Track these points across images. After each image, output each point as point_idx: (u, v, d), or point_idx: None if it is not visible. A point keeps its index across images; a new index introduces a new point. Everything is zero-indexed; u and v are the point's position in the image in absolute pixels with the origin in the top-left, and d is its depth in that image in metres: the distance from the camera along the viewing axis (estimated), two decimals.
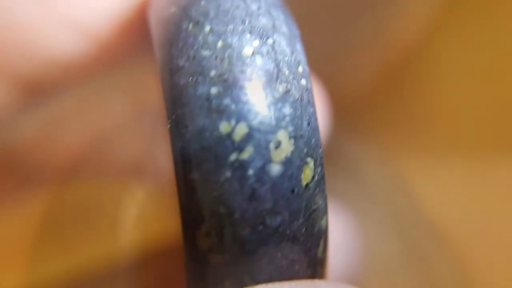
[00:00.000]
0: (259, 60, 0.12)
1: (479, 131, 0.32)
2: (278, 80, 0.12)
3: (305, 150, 0.12)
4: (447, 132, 0.32)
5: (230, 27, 0.13)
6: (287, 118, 0.12)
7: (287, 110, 0.12)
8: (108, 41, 0.15)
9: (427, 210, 0.32)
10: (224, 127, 0.12)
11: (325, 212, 0.13)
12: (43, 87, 0.15)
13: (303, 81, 0.13)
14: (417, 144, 0.32)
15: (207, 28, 0.13)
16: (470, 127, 0.32)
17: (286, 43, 0.13)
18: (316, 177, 0.13)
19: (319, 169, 0.13)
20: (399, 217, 0.32)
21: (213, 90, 0.12)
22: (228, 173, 0.12)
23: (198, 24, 0.13)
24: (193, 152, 0.12)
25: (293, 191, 0.12)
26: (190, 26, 0.13)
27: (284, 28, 0.13)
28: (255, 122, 0.12)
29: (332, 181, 0.32)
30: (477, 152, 0.32)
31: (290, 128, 0.12)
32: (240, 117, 0.12)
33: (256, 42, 0.13)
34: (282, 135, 0.12)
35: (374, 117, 0.33)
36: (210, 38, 0.12)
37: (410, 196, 0.32)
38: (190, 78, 0.12)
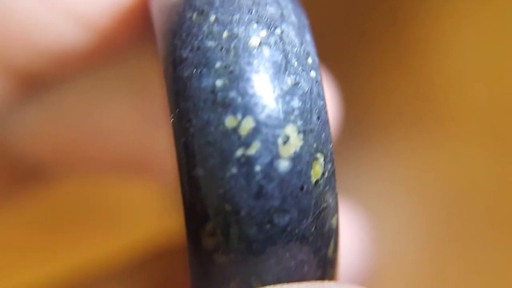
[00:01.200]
0: (266, 51, 0.12)
1: (496, 125, 0.32)
2: (287, 72, 0.12)
3: (314, 145, 0.12)
4: (462, 126, 0.32)
5: (236, 16, 0.12)
6: (296, 112, 0.12)
7: (295, 103, 0.12)
8: (109, 32, 0.14)
9: (440, 205, 0.32)
10: (229, 121, 0.12)
11: (335, 210, 0.12)
12: (41, 79, 0.15)
13: (313, 73, 0.12)
14: (430, 139, 0.32)
15: (212, 17, 0.12)
16: (486, 120, 0.32)
17: (295, 33, 0.12)
18: (326, 174, 0.12)
19: (329, 165, 0.12)
20: (412, 214, 0.32)
21: (218, 83, 0.12)
22: (234, 169, 0.12)
23: (203, 14, 0.12)
24: (197, 148, 0.12)
25: (302, 188, 0.12)
26: (194, 15, 0.12)
27: (293, 18, 0.12)
28: (262, 116, 0.12)
29: (343, 177, 0.32)
30: (492, 146, 0.32)
31: (299, 122, 0.12)
32: (247, 110, 0.12)
33: (264, 33, 0.12)
34: (290, 130, 0.12)
35: (386, 111, 0.33)
36: (215, 28, 0.12)
37: (424, 191, 0.32)
38: (194, 70, 0.12)
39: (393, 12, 0.32)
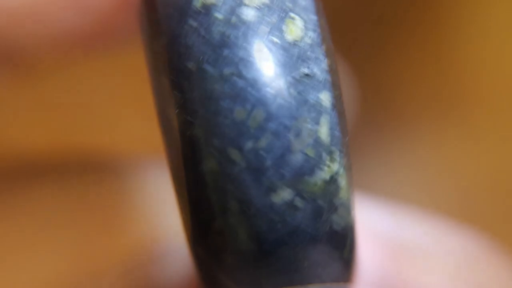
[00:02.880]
0: (277, 38, 0.11)
1: None
2: (299, 60, 0.11)
3: (329, 139, 0.11)
4: (494, 118, 0.32)
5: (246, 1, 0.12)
6: (309, 103, 0.11)
7: (308, 93, 0.11)
8: (105, 14, 0.14)
9: (463, 196, 0.31)
10: (238, 112, 0.11)
11: (351, 207, 0.12)
12: (32, 62, 0.14)
13: (327, 61, 0.12)
14: (459, 131, 0.32)
15: (219, 3, 0.11)
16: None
17: (307, 18, 0.12)
18: (341, 169, 0.11)
19: (344, 160, 0.11)
20: (438, 208, 0.31)
21: (226, 71, 0.11)
22: (243, 164, 0.11)
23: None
24: (204, 141, 0.11)
25: (315, 184, 0.11)
26: (199, 2, 0.12)
27: (304, 2, 0.12)
28: (273, 107, 0.11)
29: (366, 171, 0.31)
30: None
31: (313, 114, 0.11)
32: (257, 101, 0.11)
33: (274, 18, 0.11)
34: (303, 122, 0.11)
35: (410, 101, 0.32)
36: (223, 13, 0.11)
37: (451, 186, 0.32)
38: (200, 58, 0.11)
39: (423, 6, 0.31)
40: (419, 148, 0.32)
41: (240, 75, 0.11)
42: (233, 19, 0.11)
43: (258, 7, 0.11)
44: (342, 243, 0.12)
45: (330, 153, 0.11)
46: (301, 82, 0.11)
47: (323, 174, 0.11)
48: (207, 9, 0.11)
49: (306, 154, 0.11)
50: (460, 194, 0.32)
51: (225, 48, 0.11)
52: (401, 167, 0.32)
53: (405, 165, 0.32)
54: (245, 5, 0.11)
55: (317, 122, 0.11)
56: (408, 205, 0.17)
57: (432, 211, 0.29)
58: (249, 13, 0.11)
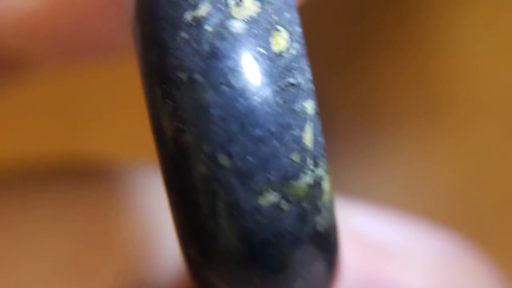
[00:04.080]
0: None
1: (503, 117, 0.32)
2: (285, 70, 0.12)
3: (313, 145, 0.12)
4: (468, 119, 0.32)
5: None
6: (294, 110, 0.12)
7: (293, 101, 0.12)
8: (99, 25, 0.14)
9: (446, 198, 0.32)
10: (227, 120, 0.12)
11: (333, 210, 0.12)
12: (30, 69, 0.14)
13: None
14: (436, 132, 0.32)
15: (209, 16, 0.12)
16: (494, 112, 0.32)
17: None
18: (324, 173, 0.12)
19: (327, 164, 0.12)
20: (417, 207, 0.32)
21: (216, 81, 0.12)
22: (232, 168, 0.12)
23: None
24: (194, 147, 0.12)
25: (300, 187, 0.12)
26: None
27: (289, 15, 0.12)
28: (260, 115, 0.12)
29: (348, 171, 0.32)
30: (498, 138, 0.32)
31: (298, 121, 0.12)
32: (245, 109, 0.12)
33: None
34: (288, 128, 0.12)
35: (391, 104, 0.33)
36: (213, 26, 0.12)
37: (429, 184, 0.32)
38: (191, 68, 0.12)
39: (398, 4, 0.32)
40: (402, 150, 0.33)
41: (229, 85, 0.12)
42: (222, 31, 0.12)
43: (246, 20, 0.12)
44: (326, 244, 0.12)
45: (314, 158, 0.12)
46: (286, 91, 0.12)
47: (308, 178, 0.12)
48: (198, 22, 0.12)
49: (291, 159, 0.12)
50: (442, 193, 0.32)
51: (215, 59, 0.12)
52: (384, 168, 0.32)
53: (388, 166, 0.32)
54: (234, 18, 0.12)
55: (301, 129, 0.12)
56: (387, 207, 0.17)
57: (413, 211, 0.30)
58: (237, 26, 0.12)
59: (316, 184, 0.12)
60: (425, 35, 0.32)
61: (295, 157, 0.12)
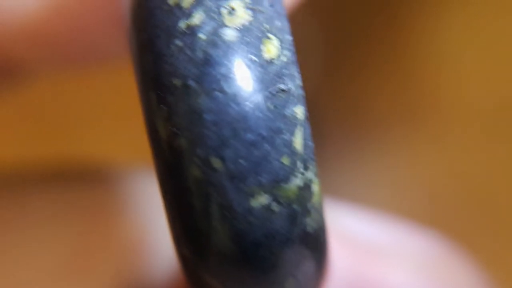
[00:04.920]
0: None
1: (488, 122, 0.32)
2: (276, 77, 0.12)
3: (302, 149, 0.12)
4: (454, 124, 0.32)
5: None
6: (285, 115, 0.12)
7: (284, 107, 0.12)
8: (96, 32, 0.14)
9: (432, 200, 0.32)
10: (220, 124, 0.12)
11: (322, 211, 0.13)
12: (28, 75, 0.14)
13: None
14: (423, 136, 0.32)
15: (203, 24, 0.12)
16: (479, 117, 0.32)
17: None
18: (313, 176, 0.12)
19: (316, 167, 0.12)
20: (404, 209, 0.32)
21: (209, 87, 0.12)
22: (224, 172, 0.12)
23: None
24: (188, 151, 0.12)
25: (290, 189, 0.12)
26: None
27: (280, 23, 0.13)
28: (252, 120, 0.12)
29: (336, 175, 0.32)
30: (484, 143, 0.32)
31: (288, 126, 0.12)
32: (237, 114, 0.12)
33: None
34: (279, 133, 0.12)
35: (378, 108, 0.33)
36: (206, 34, 0.12)
37: (415, 187, 0.32)
38: (185, 75, 0.12)
39: (389, 13, 0.32)
40: (387, 154, 0.33)
41: (222, 91, 0.12)
42: (215, 39, 0.12)
43: (238, 28, 0.12)
44: (315, 244, 0.13)
45: (304, 161, 0.12)
46: (277, 97, 0.12)
47: (298, 181, 0.12)
48: (192, 30, 0.12)
49: (282, 163, 0.12)
50: (426, 195, 0.32)
51: (208, 66, 0.12)
52: (370, 172, 0.33)
53: (374, 170, 0.33)
54: (226, 26, 0.12)
55: (292, 133, 0.12)
56: (374, 209, 0.17)
57: (398, 212, 0.30)
58: (230, 34, 0.12)
59: (306, 187, 0.12)
60: (411, 43, 0.32)
61: (286, 160, 0.12)
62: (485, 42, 0.32)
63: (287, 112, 0.12)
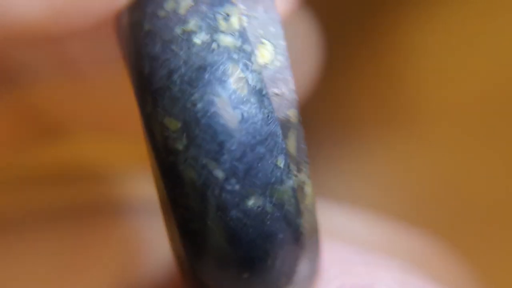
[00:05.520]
0: None
1: (465, 123, 0.33)
2: (270, 81, 0.12)
3: (296, 151, 0.12)
4: (433, 126, 0.33)
5: None
6: (278, 119, 0.12)
7: (278, 110, 0.12)
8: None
9: (413, 202, 0.32)
10: (216, 127, 0.12)
11: (315, 212, 0.13)
12: (28, 79, 0.14)
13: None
14: (402, 138, 0.33)
15: (198, 30, 0.13)
16: (457, 119, 0.33)
17: None
18: (306, 178, 0.13)
19: (309, 169, 0.13)
20: (384, 211, 0.32)
21: (204, 91, 0.12)
22: (220, 174, 0.12)
23: None
24: (185, 154, 0.12)
25: (284, 191, 0.12)
26: None
27: (274, 29, 0.13)
28: (247, 123, 0.12)
29: (319, 176, 0.32)
30: (462, 144, 0.32)
31: (282, 129, 0.12)
32: (232, 117, 0.12)
33: None
34: (273, 136, 0.12)
35: (359, 110, 0.33)
36: (202, 39, 0.12)
37: (397, 189, 0.32)
38: (181, 79, 0.12)
39: (371, 14, 0.32)
40: (369, 156, 0.33)
41: (217, 94, 0.12)
42: (211, 44, 0.12)
43: (233, 34, 0.12)
44: (308, 244, 0.13)
45: (297, 164, 0.12)
46: (271, 101, 0.12)
47: (291, 183, 0.12)
48: (188, 35, 0.12)
49: (276, 165, 0.12)
50: (407, 198, 0.32)
51: (203, 70, 0.12)
52: (358, 172, 0.33)
53: (361, 170, 0.33)
54: (221, 31, 0.12)
55: (285, 136, 0.12)
56: (364, 208, 0.18)
57: (387, 212, 0.30)
58: (224, 39, 0.12)
59: (299, 188, 0.12)
60: (394, 44, 0.32)
61: (280, 162, 0.12)
62: (466, 42, 0.32)
63: (281, 115, 0.12)
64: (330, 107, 0.32)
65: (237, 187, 0.12)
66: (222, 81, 0.12)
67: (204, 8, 0.13)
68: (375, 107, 0.33)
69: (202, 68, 0.12)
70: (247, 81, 0.12)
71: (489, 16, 0.33)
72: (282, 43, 0.13)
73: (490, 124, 0.33)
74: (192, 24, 0.12)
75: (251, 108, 0.12)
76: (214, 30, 0.12)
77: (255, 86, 0.12)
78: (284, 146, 0.12)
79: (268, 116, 0.12)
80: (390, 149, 0.33)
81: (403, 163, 0.33)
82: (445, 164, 0.33)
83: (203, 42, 0.12)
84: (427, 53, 0.33)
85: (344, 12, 0.33)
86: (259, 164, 0.12)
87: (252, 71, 0.12)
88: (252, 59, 0.12)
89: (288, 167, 0.12)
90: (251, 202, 0.12)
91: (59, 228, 0.15)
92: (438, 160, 0.33)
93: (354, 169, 0.33)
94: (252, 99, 0.12)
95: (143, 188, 0.16)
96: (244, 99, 0.12)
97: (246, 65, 0.12)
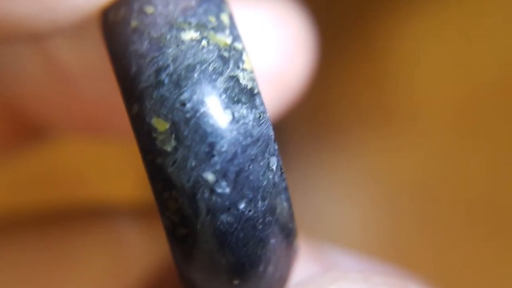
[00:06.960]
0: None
1: (452, 127, 0.33)
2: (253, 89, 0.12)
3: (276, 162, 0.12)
4: (420, 128, 0.33)
5: None
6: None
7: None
8: None
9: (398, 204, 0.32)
10: (202, 136, 0.12)
11: (293, 217, 0.13)
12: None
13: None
14: (388, 140, 0.33)
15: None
16: (442, 122, 0.33)
17: None
18: (284, 185, 0.12)
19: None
20: (369, 213, 0.33)
21: (190, 99, 0.12)
22: (212, 179, 0.12)
23: None
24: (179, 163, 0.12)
25: (269, 198, 0.12)
26: None
27: None
28: (233, 131, 0.12)
29: (302, 179, 0.32)
30: (447, 148, 0.33)
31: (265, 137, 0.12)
32: (215, 124, 0.12)
33: None
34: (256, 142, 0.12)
35: (346, 113, 0.33)
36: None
37: (382, 191, 0.33)
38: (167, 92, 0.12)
39: (356, 13, 0.32)
40: (353, 150, 0.33)
41: (207, 94, 0.12)
42: (200, 41, 0.12)
43: (224, 31, 0.12)
44: (288, 232, 0.13)
45: (281, 173, 0.12)
46: (263, 100, 0.12)
47: (284, 186, 0.12)
48: (176, 33, 0.12)
49: (268, 167, 0.12)
50: (388, 199, 0.33)
51: (193, 68, 0.12)
52: (336, 169, 0.33)
53: (340, 167, 0.33)
54: (212, 28, 0.12)
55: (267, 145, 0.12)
56: (342, 213, 0.17)
57: (367, 215, 0.30)
58: (215, 37, 0.12)
59: (282, 195, 0.12)
60: (377, 47, 0.33)
61: (272, 165, 0.12)
62: (445, 45, 0.33)
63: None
64: (323, 107, 0.32)
65: (227, 190, 0.12)
66: (212, 80, 0.12)
67: (193, 4, 0.12)
68: (359, 106, 0.33)
69: (191, 67, 0.12)
70: (238, 80, 0.12)
71: (483, 16, 0.33)
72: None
73: (478, 122, 0.33)
74: (181, 20, 0.12)
75: (242, 108, 0.12)
76: (204, 27, 0.12)
77: (247, 85, 0.12)
78: (276, 147, 0.12)
79: (260, 116, 0.12)
80: (372, 152, 0.33)
81: (383, 165, 0.33)
82: (431, 164, 0.33)
83: (192, 40, 0.12)
84: (420, 53, 0.33)
85: (338, 11, 0.33)
86: (251, 166, 0.12)
87: (243, 69, 0.12)
88: (244, 57, 0.12)
89: (281, 169, 0.12)
90: (242, 206, 0.12)
91: (45, 232, 0.15)
92: (424, 159, 0.33)
93: (330, 170, 0.33)
94: (243, 99, 0.12)
95: (132, 190, 0.16)
96: (235, 99, 0.12)
97: (237, 64, 0.12)
